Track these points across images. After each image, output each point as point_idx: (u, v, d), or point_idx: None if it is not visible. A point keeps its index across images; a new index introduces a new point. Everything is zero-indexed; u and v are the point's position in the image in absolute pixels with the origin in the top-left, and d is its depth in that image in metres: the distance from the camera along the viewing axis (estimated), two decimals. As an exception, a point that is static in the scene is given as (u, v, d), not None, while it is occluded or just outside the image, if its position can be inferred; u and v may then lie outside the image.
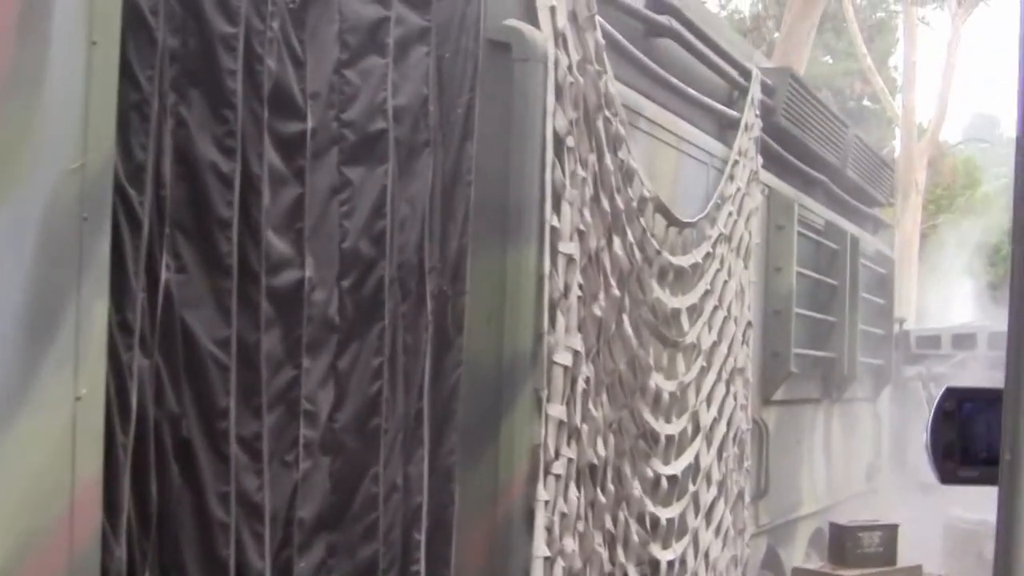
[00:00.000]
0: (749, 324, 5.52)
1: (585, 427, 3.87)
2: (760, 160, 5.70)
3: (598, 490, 4.00)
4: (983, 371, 13.91)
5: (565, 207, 3.74)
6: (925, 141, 27.56)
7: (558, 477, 3.69)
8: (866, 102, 43.41)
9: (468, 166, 3.55)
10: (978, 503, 11.44)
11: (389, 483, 3.32)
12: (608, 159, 4.05)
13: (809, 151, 6.86)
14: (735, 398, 5.32)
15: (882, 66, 41.49)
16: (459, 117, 3.55)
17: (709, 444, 5.03)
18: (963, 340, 13.92)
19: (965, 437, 2.37)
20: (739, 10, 40.59)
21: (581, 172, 3.85)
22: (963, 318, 18.17)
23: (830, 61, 46.78)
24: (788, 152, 6.49)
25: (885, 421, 9.19)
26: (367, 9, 3.30)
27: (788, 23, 18.67)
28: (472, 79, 3.54)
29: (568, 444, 3.76)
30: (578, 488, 3.84)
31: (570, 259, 3.76)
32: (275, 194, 3.01)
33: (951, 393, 2.40)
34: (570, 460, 3.75)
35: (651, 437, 4.45)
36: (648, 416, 4.42)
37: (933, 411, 2.37)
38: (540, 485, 3.56)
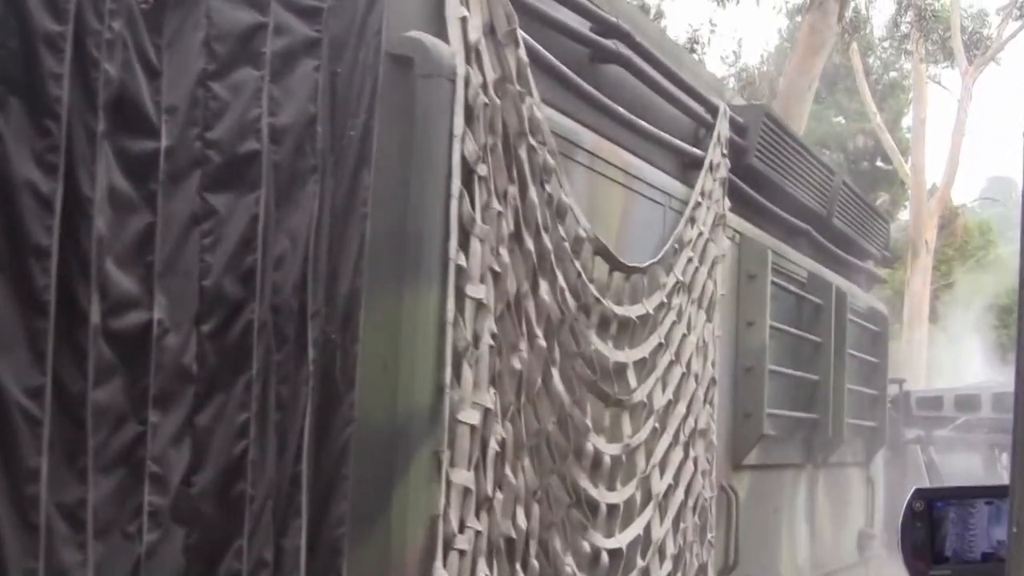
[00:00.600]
0: (713, 382, 5.10)
1: (500, 495, 3.46)
2: (727, 204, 5.32)
3: (518, 566, 3.58)
4: (987, 434, 13.47)
5: (475, 244, 3.35)
6: (935, 200, 27.21)
7: (463, 552, 3.27)
8: (880, 163, 43.25)
9: (363, 196, 3.15)
10: None
11: (255, 558, 2.90)
12: (533, 192, 3.67)
13: (788, 197, 6.48)
14: (695, 463, 4.89)
15: (895, 127, 41.39)
16: (354, 140, 3.16)
17: (663, 514, 4.60)
18: (966, 401, 13.46)
19: (935, 536, 2.46)
20: (747, 67, 40.51)
21: (497, 205, 3.46)
22: (973, 379, 17.69)
23: (843, 121, 46.72)
24: (764, 197, 6.11)
25: (879, 487, 8.71)
26: (240, 14, 2.94)
27: (788, 76, 18.42)
28: (370, 98, 3.16)
29: (477, 515, 3.34)
30: (490, 565, 3.41)
31: (480, 304, 3.36)
32: (118, 222, 2.62)
33: (920, 493, 2.49)
34: (478, 533, 3.33)
35: (589, 506, 4.03)
36: (585, 483, 4.00)
37: (903, 511, 2.46)
38: (438, 562, 3.14)
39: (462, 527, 3.28)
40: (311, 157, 3.03)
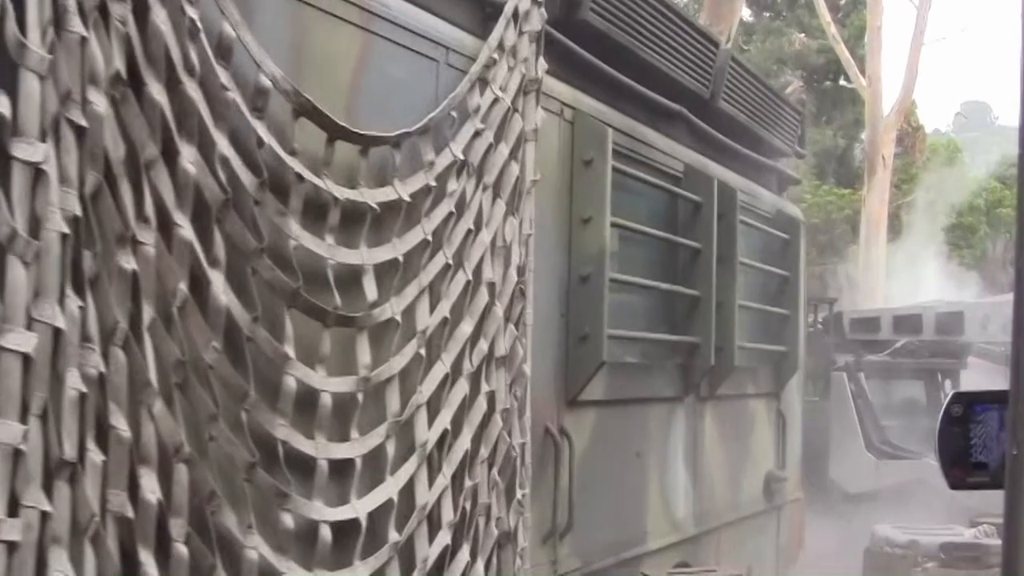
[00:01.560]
0: (520, 294, 4.03)
1: (97, 457, 2.39)
2: (543, 66, 4.21)
3: (145, 555, 2.52)
4: (930, 358, 12.50)
5: (29, 81, 2.26)
6: (894, 112, 26.15)
7: (12, 545, 2.21)
8: (843, 82, 42.24)
9: None
10: (915, 520, 10.01)
11: None
12: (160, 16, 2.57)
13: (648, 69, 5.38)
14: (491, 400, 3.83)
15: (859, 44, 40.33)
16: None
17: (434, 470, 3.55)
18: (906, 323, 12.45)
19: (974, 442, 2.39)
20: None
21: (80, 27, 2.36)
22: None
23: (804, 38, 45.66)
24: (609, 64, 5.01)
25: (795, 421, 7.72)
26: None
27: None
28: None
29: (48, 488, 2.28)
30: (79, 557, 2.35)
31: (39, 172, 2.27)
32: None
33: (959, 397, 2.43)
34: (46, 515, 2.27)
35: (293, 465, 2.97)
36: (285, 432, 2.93)
37: (941, 416, 2.38)
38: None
39: (13, 507, 2.22)
40: None
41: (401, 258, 3.41)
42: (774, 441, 7.27)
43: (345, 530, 3.15)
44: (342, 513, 3.14)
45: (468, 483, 3.70)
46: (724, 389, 6.17)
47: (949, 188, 30.33)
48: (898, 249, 24.96)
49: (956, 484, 2.45)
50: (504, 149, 3.96)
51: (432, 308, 3.58)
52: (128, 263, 2.48)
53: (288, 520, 2.94)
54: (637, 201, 5.34)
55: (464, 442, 3.69)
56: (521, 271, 4.05)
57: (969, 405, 2.44)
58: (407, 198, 3.44)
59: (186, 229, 2.64)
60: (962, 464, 2.41)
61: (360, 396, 3.22)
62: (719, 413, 6.25)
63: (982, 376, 14.63)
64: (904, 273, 22.66)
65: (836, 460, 12.00)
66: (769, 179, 7.49)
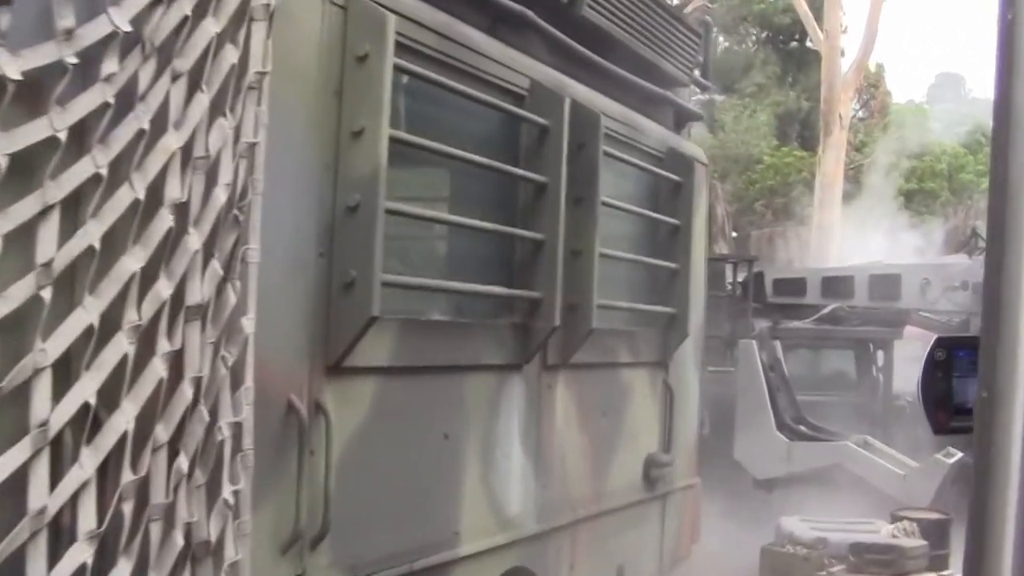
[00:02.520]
0: (232, 222, 3.07)
1: None
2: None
3: None
4: (861, 326, 11.59)
5: None
6: (852, 69, 25.29)
7: None
8: (809, 43, 41.54)
9: None
10: (827, 511, 9.15)
11: None
12: None
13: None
14: (175, 365, 2.89)
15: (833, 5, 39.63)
16: None
17: (64, 460, 2.61)
18: (836, 286, 11.52)
19: (956, 386, 2.55)
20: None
21: None
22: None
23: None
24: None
25: (689, 396, 6.82)
26: None
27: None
28: None
29: None
30: None
31: None
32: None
33: (941, 342, 2.68)
34: None
35: None
36: None
37: (924, 361, 2.62)
38: None
39: None
40: None
41: (4, 159, 2.45)
42: (659, 418, 6.36)
43: None
44: None
45: (128, 478, 2.75)
46: (583, 356, 5.25)
47: (911, 152, 29.65)
48: (854, 212, 24.19)
49: (939, 428, 2.65)
50: (211, 27, 2.99)
51: (68, 233, 2.62)
52: None
53: None
54: (458, 121, 4.40)
55: (122, 421, 2.73)
56: (238, 192, 3.09)
57: (951, 350, 2.58)
58: (15, 75, 2.47)
59: None
60: (945, 408, 2.55)
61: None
62: (577, 385, 5.33)
63: (921, 348, 13.86)
64: (859, 237, 21.87)
65: (742, 441, 10.90)
66: (661, 112, 6.55)
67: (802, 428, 10.96)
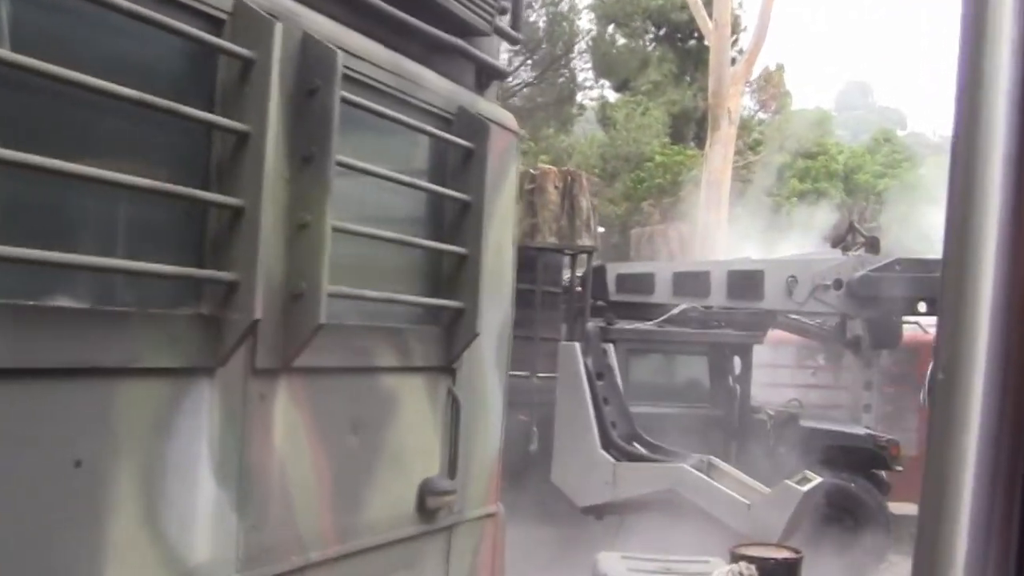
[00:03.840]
0: None
1: None
2: None
3: None
4: (718, 328, 10.63)
5: None
6: (743, 62, 24.67)
7: None
8: (708, 42, 41.41)
9: None
10: (661, 545, 8.17)
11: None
12: None
13: None
14: None
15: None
16: None
17: None
18: (689, 283, 10.50)
19: None
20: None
21: None
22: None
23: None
24: None
25: (488, 407, 5.84)
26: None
27: None
28: None
29: None
30: None
31: None
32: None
33: None
34: None
35: None
36: None
37: (931, 368, 2.06)
38: None
39: None
40: None
41: None
42: (441, 435, 5.37)
43: None
44: None
45: None
46: (317, 358, 4.23)
47: (807, 151, 29.24)
48: (743, 212, 23.54)
49: None
50: None
51: None
52: None
53: None
54: (95, 39, 3.36)
55: None
56: None
57: None
58: None
59: None
60: None
61: None
62: (310, 395, 4.31)
63: (789, 354, 13.03)
64: (745, 237, 21.19)
65: (561, 461, 9.74)
66: (455, 66, 5.58)
67: (635, 446, 9.79)
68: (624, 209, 31.70)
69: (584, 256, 10.92)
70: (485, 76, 5.96)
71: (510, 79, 36.55)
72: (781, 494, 9.09)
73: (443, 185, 5.29)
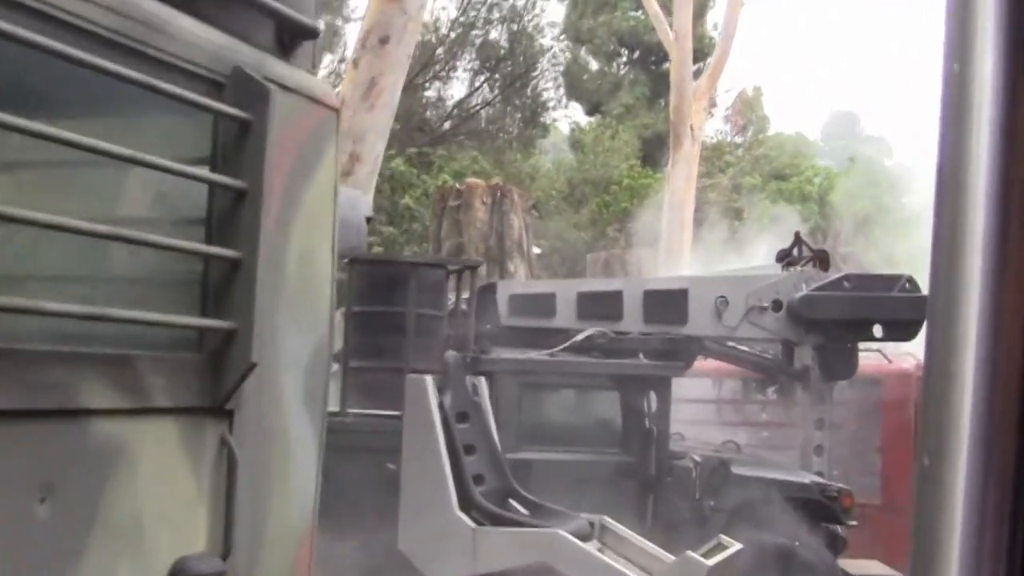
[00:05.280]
0: None
1: None
2: None
3: None
4: (633, 358, 9.26)
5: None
6: (705, 77, 23.62)
7: None
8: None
9: None
10: None
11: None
12: None
13: None
14: None
15: (698, 20, 38.88)
16: None
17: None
18: (597, 305, 9.21)
19: None
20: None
21: None
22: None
23: (641, 16, 44.49)
24: None
25: (289, 458, 4.60)
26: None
27: None
28: None
29: None
30: None
31: None
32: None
33: None
34: None
35: None
36: None
37: None
38: None
39: None
40: None
41: None
42: (207, 498, 4.13)
43: None
44: None
45: None
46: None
47: (781, 174, 28.30)
48: (708, 235, 22.48)
49: None
50: None
51: None
52: None
53: None
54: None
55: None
56: None
57: None
58: None
59: None
60: None
61: None
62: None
63: (727, 388, 11.73)
64: (709, 261, 20.09)
65: (408, 524, 7.88)
66: (237, 17, 4.37)
67: (510, 505, 8.12)
68: (590, 235, 30.62)
69: (470, 273, 9.51)
70: (289, 35, 4.76)
71: (470, 100, 35.60)
72: (681, 569, 7.46)
73: (214, 170, 4.08)
